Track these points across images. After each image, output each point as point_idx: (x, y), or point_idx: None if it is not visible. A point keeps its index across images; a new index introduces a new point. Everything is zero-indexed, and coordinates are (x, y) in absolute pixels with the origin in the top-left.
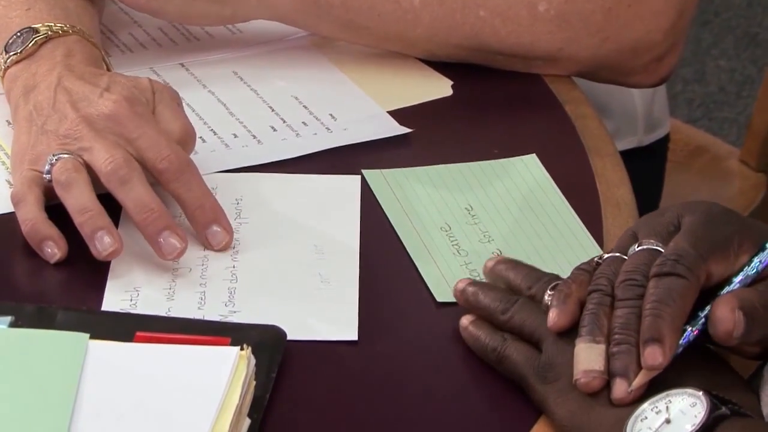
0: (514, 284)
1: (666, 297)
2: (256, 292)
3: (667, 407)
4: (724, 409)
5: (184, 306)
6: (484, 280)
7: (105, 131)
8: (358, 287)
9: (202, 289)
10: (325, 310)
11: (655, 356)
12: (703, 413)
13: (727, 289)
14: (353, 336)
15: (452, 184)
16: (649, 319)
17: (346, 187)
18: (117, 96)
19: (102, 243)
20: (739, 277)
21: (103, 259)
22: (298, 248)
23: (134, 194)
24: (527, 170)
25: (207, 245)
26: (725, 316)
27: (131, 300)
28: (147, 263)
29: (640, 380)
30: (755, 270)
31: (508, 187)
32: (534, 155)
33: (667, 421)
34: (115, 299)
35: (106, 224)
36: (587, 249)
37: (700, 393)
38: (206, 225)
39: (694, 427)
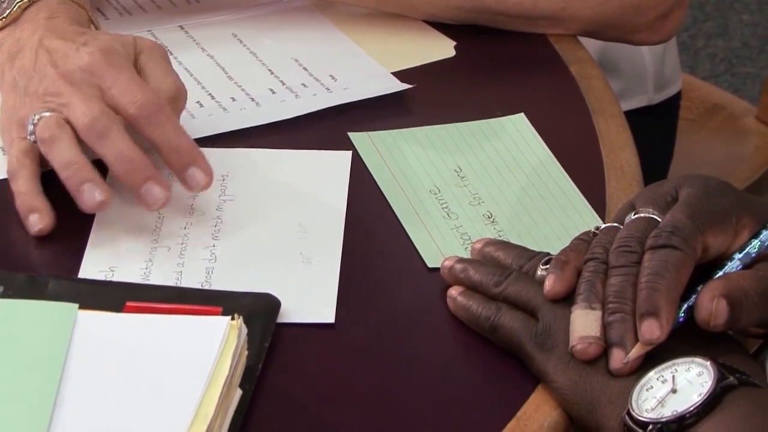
0: (505, 264)
1: (661, 269)
2: (233, 273)
3: (673, 376)
4: (731, 379)
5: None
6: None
7: (82, 84)
8: (339, 268)
9: (179, 269)
10: (303, 291)
11: (652, 330)
12: (710, 383)
13: (727, 266)
14: (330, 319)
15: (440, 146)
16: (644, 293)
17: (336, 163)
18: (92, 48)
19: (89, 195)
20: (741, 255)
21: (91, 212)
22: (281, 227)
23: (114, 147)
24: (516, 130)
25: (186, 188)
26: (703, 305)
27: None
28: (124, 242)
29: (636, 352)
30: (756, 249)
31: (496, 148)
32: (522, 114)
33: (673, 391)
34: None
35: (93, 176)
36: (577, 207)
37: (708, 362)
38: (184, 168)
39: (701, 398)
